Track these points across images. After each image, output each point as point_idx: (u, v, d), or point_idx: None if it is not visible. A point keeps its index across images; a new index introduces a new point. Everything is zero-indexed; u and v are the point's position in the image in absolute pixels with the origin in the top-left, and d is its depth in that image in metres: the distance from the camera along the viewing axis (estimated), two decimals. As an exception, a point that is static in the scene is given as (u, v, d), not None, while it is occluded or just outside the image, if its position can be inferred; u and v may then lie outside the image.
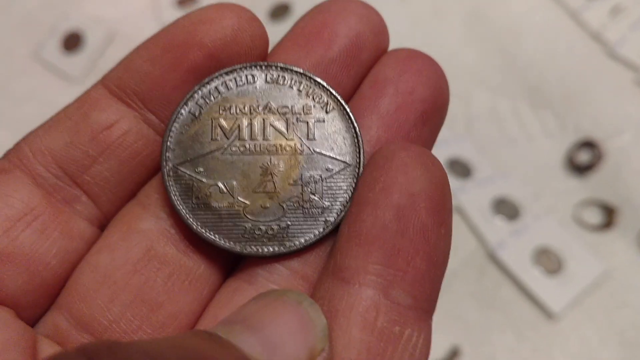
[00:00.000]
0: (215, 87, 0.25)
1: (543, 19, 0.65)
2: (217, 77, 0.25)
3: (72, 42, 0.67)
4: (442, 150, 0.58)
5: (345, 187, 0.25)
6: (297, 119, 0.25)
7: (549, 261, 0.52)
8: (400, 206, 0.22)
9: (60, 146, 0.25)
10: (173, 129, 0.25)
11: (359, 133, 0.25)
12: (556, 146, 0.59)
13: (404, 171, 0.22)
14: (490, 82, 0.63)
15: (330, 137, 0.25)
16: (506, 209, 0.55)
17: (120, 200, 0.26)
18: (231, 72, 0.25)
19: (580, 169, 0.57)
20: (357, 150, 0.25)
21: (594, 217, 0.55)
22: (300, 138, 0.25)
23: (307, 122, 0.25)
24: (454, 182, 0.56)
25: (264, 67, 0.25)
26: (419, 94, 0.25)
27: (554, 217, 0.55)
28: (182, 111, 0.25)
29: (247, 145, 0.25)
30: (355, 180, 0.25)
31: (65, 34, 0.67)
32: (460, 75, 0.62)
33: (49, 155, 0.25)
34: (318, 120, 0.25)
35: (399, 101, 0.25)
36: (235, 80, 0.25)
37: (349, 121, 0.25)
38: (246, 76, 0.25)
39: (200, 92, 0.25)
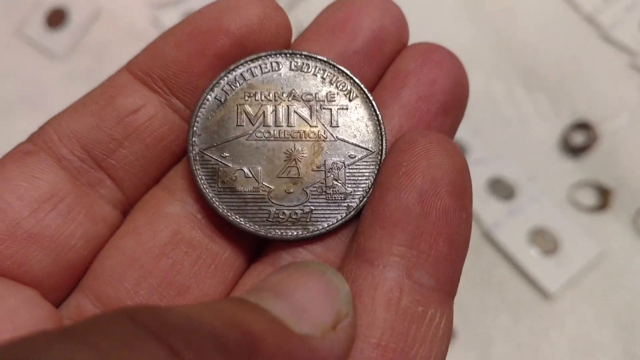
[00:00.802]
0: (241, 74, 0.25)
1: (537, 1, 0.65)
2: (242, 64, 0.25)
3: (56, 18, 0.65)
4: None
5: (367, 174, 0.25)
6: (320, 106, 0.26)
7: (544, 241, 0.53)
8: (423, 190, 0.22)
9: (86, 129, 0.25)
10: (199, 114, 0.25)
11: (381, 120, 0.25)
12: (551, 128, 0.59)
13: (426, 156, 0.23)
14: (484, 64, 0.63)
15: (353, 125, 0.26)
16: (501, 189, 0.56)
17: (145, 185, 0.26)
18: (256, 59, 0.26)
19: (575, 151, 0.57)
20: (380, 137, 0.25)
21: (589, 198, 0.56)
22: (323, 125, 0.26)
23: (331, 110, 0.26)
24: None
25: (288, 55, 0.26)
26: (440, 86, 0.26)
27: (549, 198, 0.56)
28: (209, 97, 0.25)
29: (272, 132, 0.25)
30: (377, 167, 0.25)
31: (49, 10, 0.66)
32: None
33: (74, 138, 0.25)
34: (341, 108, 0.26)
35: (420, 92, 0.25)
36: (261, 68, 0.26)
37: (372, 109, 0.26)
38: (271, 63, 0.26)
39: (226, 78, 0.25)
